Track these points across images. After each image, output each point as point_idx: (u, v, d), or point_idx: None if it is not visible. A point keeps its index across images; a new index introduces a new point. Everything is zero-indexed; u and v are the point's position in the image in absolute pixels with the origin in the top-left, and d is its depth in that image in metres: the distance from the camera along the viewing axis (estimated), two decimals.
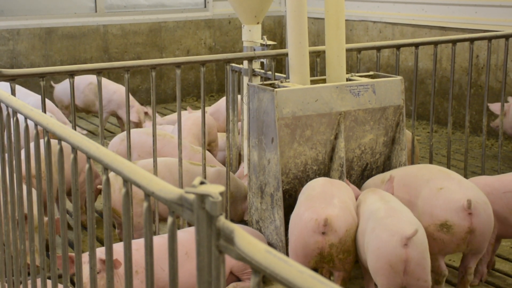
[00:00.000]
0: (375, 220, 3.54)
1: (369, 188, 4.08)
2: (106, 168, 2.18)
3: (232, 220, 4.70)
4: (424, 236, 3.49)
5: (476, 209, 3.70)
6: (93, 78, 7.20)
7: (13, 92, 3.99)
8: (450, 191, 3.79)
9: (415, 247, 3.37)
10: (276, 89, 4.14)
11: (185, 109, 6.10)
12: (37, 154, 2.80)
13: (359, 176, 4.49)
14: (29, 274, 3.42)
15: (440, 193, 3.80)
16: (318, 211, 3.62)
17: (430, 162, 5.16)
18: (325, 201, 3.69)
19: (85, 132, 6.76)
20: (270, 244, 4.26)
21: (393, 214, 3.54)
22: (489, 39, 5.38)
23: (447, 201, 3.76)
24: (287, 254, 3.95)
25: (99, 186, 4.68)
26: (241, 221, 4.80)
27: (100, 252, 3.40)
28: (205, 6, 9.62)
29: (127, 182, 2.04)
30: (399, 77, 4.49)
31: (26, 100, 6.27)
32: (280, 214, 4.14)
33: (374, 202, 3.75)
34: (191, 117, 5.81)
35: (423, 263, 3.39)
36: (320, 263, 3.66)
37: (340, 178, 4.27)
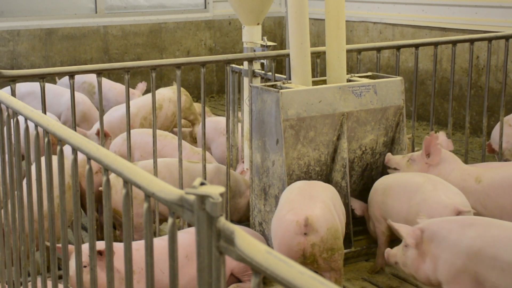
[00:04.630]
0: (424, 192, 3.83)
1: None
2: (107, 169, 2.18)
3: (233, 221, 4.69)
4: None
5: None
6: (87, 77, 7.22)
7: (13, 93, 3.99)
8: None
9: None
10: (281, 90, 4.13)
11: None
12: (37, 155, 2.80)
13: (359, 177, 4.49)
14: (29, 275, 3.41)
15: None
16: (298, 212, 3.63)
17: None
18: (304, 202, 3.70)
19: None
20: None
21: (441, 187, 3.82)
22: (489, 40, 5.38)
23: None
24: None
25: (100, 188, 4.68)
26: (241, 222, 4.79)
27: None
28: (205, 7, 9.62)
29: (128, 183, 2.04)
30: (399, 78, 4.49)
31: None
32: None
33: (416, 176, 4.06)
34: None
35: None
36: (305, 265, 3.65)
37: (343, 179, 4.27)
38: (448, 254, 3.12)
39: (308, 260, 3.62)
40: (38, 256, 3.66)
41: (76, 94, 6.56)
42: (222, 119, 5.79)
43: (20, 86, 6.53)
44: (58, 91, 6.49)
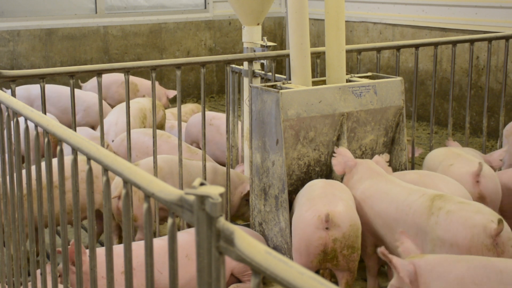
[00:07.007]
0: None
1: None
2: (106, 169, 2.18)
3: (233, 221, 4.69)
4: None
5: (484, 177, 4.11)
6: (122, 76, 7.32)
7: (13, 93, 3.99)
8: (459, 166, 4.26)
9: None
10: (281, 91, 4.13)
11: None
12: (37, 155, 2.80)
13: None
14: (29, 274, 3.41)
15: (450, 169, 4.28)
16: (320, 208, 3.62)
17: None
18: (327, 199, 3.70)
19: None
20: (274, 246, 4.25)
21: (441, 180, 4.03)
22: (489, 40, 5.38)
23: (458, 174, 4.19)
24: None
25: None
26: (239, 221, 4.79)
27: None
28: (205, 7, 9.62)
29: (127, 183, 2.04)
30: (399, 78, 4.50)
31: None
32: (286, 216, 4.13)
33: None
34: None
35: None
36: (324, 262, 3.64)
37: (342, 179, 4.26)
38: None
39: (328, 256, 3.60)
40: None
41: (92, 94, 6.60)
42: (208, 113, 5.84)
43: (32, 89, 6.58)
44: (75, 94, 6.51)
